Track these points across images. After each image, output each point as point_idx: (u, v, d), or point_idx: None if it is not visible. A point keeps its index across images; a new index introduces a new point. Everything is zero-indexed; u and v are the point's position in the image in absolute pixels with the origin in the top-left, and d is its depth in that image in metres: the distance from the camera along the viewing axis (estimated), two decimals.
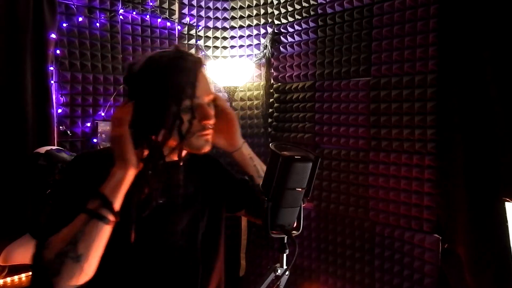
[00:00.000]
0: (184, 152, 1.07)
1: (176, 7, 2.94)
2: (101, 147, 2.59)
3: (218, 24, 3.11)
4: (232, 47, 3.12)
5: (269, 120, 2.98)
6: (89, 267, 0.90)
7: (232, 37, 3.12)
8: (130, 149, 0.96)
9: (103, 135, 2.61)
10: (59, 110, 2.46)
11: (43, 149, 2.06)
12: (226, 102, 1.21)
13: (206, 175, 1.20)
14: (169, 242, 1.08)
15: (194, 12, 3.01)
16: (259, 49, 3.00)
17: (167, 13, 2.88)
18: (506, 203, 1.63)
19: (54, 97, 2.42)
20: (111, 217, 0.92)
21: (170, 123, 0.99)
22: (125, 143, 0.96)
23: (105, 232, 0.91)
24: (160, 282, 1.07)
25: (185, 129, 1.01)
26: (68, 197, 1.01)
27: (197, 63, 1.05)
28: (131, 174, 0.95)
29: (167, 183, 1.05)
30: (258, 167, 1.24)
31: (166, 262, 1.07)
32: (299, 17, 2.76)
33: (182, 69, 1.01)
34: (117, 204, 0.93)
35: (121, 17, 2.68)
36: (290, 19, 2.81)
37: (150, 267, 1.06)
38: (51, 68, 2.39)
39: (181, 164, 1.07)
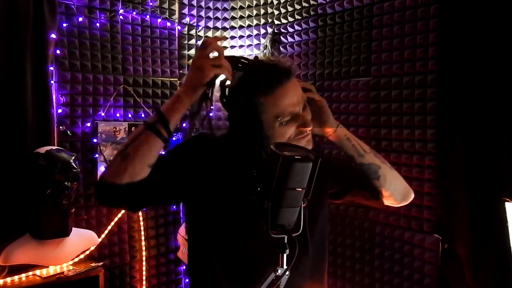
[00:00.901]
0: None
1: (176, 7, 2.94)
2: (101, 147, 2.59)
3: (218, 24, 3.11)
4: (232, 47, 3.12)
5: None
6: (133, 169, 1.02)
7: (232, 37, 3.12)
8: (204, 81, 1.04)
9: (103, 135, 2.61)
10: (59, 110, 2.46)
11: (43, 149, 2.06)
12: (314, 90, 1.22)
13: None
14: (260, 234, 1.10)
15: (194, 12, 3.01)
16: (259, 49, 3.00)
17: (167, 13, 2.88)
18: (506, 203, 1.63)
19: (54, 97, 2.42)
20: (164, 132, 1.03)
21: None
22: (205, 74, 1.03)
23: (154, 143, 1.03)
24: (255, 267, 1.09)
25: (285, 139, 1.10)
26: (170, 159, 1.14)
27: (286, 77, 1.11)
28: (190, 101, 1.06)
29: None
30: (358, 146, 1.23)
31: (262, 252, 1.07)
32: (299, 17, 2.76)
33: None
34: (172, 123, 1.04)
35: (121, 17, 2.68)
36: (290, 19, 2.81)
37: (244, 254, 1.14)
38: (51, 68, 2.39)
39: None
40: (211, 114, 3.26)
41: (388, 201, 1.27)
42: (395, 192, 1.25)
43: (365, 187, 1.25)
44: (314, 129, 1.20)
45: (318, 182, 1.19)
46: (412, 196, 1.32)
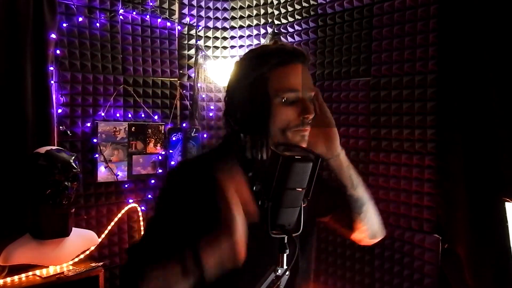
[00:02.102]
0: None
1: (176, 7, 2.94)
2: (101, 147, 2.59)
3: (218, 24, 3.11)
4: (232, 47, 3.12)
5: None
6: None
7: (232, 37, 3.12)
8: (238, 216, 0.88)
9: (103, 135, 2.61)
10: (59, 110, 2.46)
11: (43, 149, 2.06)
12: (325, 105, 1.17)
13: None
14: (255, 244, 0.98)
15: (194, 12, 3.01)
16: None
17: (167, 13, 2.88)
18: (506, 203, 1.63)
19: (54, 97, 2.42)
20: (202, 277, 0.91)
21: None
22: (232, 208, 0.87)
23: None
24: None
25: (283, 122, 1.05)
26: (171, 213, 1.03)
27: (295, 57, 1.07)
28: (234, 244, 0.88)
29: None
30: (353, 178, 1.18)
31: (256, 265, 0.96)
32: (299, 17, 2.76)
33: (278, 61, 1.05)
34: (210, 270, 0.90)
35: (121, 17, 2.68)
36: (290, 19, 2.81)
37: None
38: (51, 68, 2.39)
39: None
40: (211, 114, 3.25)
41: (358, 236, 1.24)
42: (369, 230, 1.22)
43: (344, 215, 1.22)
44: (318, 147, 1.16)
45: (314, 193, 1.18)
46: (382, 236, 1.28)
